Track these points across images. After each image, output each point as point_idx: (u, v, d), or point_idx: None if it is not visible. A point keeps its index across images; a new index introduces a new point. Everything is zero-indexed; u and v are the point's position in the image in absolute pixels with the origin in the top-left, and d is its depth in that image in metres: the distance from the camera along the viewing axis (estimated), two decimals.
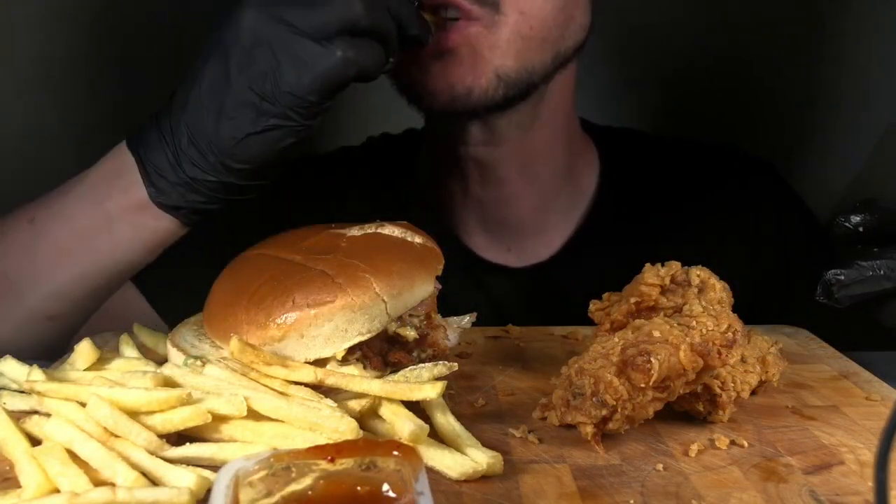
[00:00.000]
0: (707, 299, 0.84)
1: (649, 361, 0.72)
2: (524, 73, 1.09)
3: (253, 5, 0.87)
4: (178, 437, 0.71)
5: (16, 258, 1.00)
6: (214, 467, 0.66)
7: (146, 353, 0.89)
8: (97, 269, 0.99)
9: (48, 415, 0.73)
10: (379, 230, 0.87)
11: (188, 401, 0.71)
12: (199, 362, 0.78)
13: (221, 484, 0.59)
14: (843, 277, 0.86)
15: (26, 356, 0.85)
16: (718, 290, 0.86)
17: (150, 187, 0.93)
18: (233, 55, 0.87)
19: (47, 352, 0.97)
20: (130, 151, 0.95)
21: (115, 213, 0.95)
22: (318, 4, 0.86)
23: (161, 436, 0.70)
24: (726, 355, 0.75)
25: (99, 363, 0.84)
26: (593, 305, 0.91)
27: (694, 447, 0.76)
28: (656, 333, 0.75)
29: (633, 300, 0.86)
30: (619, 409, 0.74)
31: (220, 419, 0.71)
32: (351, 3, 0.86)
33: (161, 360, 0.84)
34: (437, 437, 0.74)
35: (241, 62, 0.87)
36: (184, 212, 0.95)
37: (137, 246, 0.97)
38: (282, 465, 0.60)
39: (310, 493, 0.57)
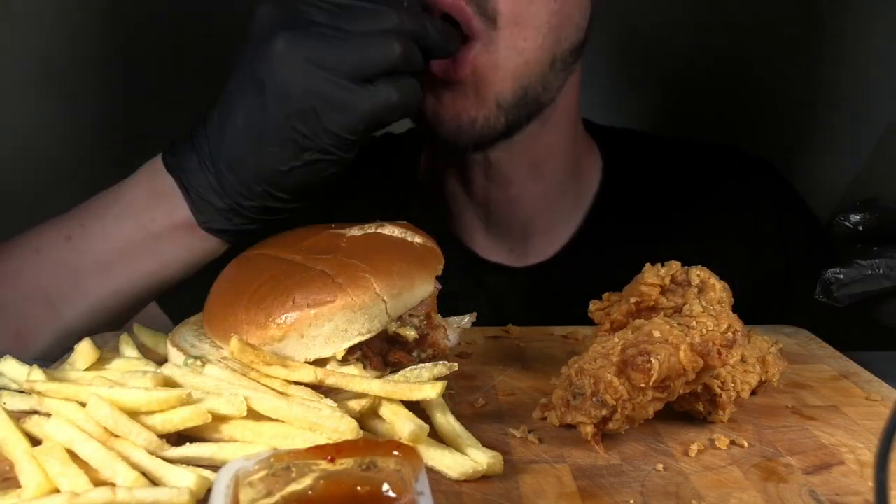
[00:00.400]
0: (707, 299, 0.84)
1: (649, 361, 0.72)
2: (520, 91, 1.08)
3: (286, 39, 0.86)
4: (178, 437, 0.71)
5: (54, 276, 1.00)
6: (214, 467, 0.66)
7: (146, 353, 0.89)
8: (139, 285, 1.00)
9: (48, 415, 0.73)
10: (379, 230, 0.87)
11: (188, 401, 0.71)
12: (199, 362, 0.78)
13: (221, 484, 0.59)
14: (842, 276, 0.87)
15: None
16: (718, 290, 0.86)
17: (196, 212, 0.95)
18: (269, 91, 0.87)
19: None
20: (169, 173, 0.96)
21: (160, 234, 0.97)
22: (357, 47, 0.86)
23: (161, 436, 0.70)
24: (726, 355, 0.75)
25: (99, 363, 0.84)
26: (593, 305, 0.91)
27: (694, 447, 0.76)
28: (656, 333, 0.75)
29: (633, 300, 0.86)
30: (619, 409, 0.74)
31: (220, 419, 0.71)
32: (390, 47, 0.86)
33: (161, 360, 0.84)
34: (437, 437, 0.74)
35: (278, 98, 0.87)
36: (229, 233, 0.97)
37: (181, 264, 1.00)
38: (282, 465, 0.60)
39: (310, 493, 0.57)
